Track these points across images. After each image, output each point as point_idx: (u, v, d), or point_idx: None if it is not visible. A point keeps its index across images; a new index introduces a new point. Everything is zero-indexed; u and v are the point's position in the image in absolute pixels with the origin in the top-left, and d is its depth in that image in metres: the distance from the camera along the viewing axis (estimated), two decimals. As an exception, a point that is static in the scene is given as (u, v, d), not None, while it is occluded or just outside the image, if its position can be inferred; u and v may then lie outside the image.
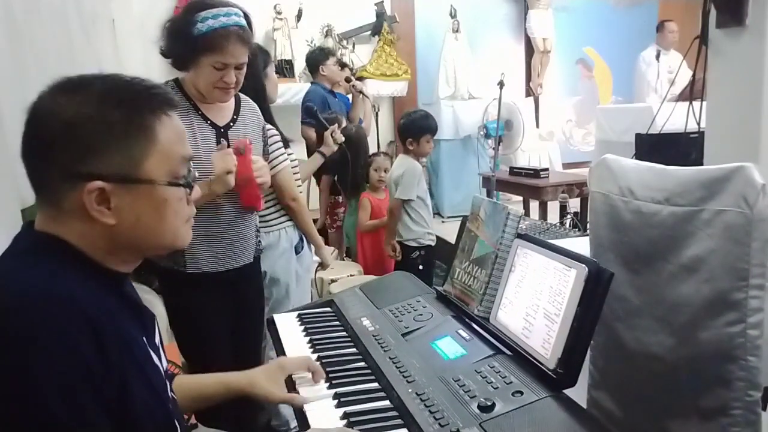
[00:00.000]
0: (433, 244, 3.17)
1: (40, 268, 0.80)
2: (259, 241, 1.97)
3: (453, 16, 5.62)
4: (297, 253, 2.35)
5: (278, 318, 1.60)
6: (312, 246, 2.48)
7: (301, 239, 2.37)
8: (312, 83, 4.19)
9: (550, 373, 1.05)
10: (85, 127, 0.81)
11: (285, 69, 5.06)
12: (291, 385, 1.21)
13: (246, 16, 1.71)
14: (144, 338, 0.91)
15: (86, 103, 0.82)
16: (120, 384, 0.79)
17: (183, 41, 1.66)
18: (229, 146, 1.78)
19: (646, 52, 5.48)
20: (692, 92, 2.30)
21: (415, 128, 3.13)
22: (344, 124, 3.58)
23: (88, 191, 0.81)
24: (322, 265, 2.57)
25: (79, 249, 0.84)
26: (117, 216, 0.84)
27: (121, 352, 0.80)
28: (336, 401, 1.13)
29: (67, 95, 0.83)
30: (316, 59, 4.17)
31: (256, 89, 2.14)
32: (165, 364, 0.99)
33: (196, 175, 0.95)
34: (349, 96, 4.25)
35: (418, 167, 3.12)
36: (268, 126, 2.09)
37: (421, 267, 3.08)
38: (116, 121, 0.83)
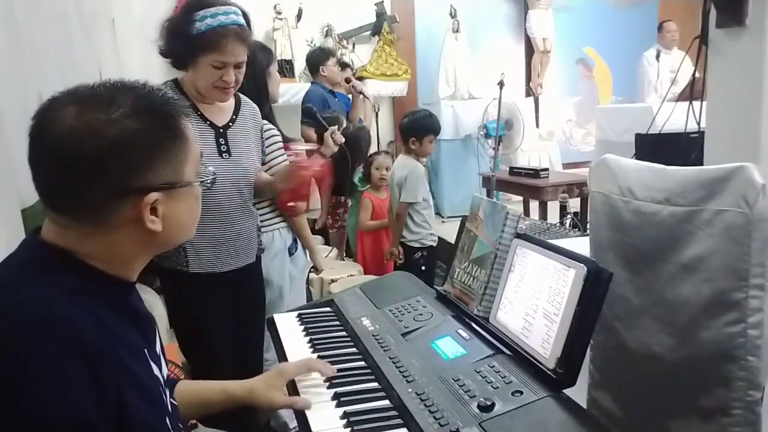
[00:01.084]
0: (434, 244, 3.17)
1: (39, 287, 0.79)
2: (261, 241, 1.97)
3: (453, 16, 5.62)
4: (290, 254, 2.34)
5: (278, 318, 1.60)
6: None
7: (294, 240, 2.37)
8: (312, 83, 4.19)
9: (549, 372, 1.05)
10: (134, 142, 0.81)
11: (285, 69, 5.07)
12: (293, 390, 1.20)
13: (245, 15, 1.72)
14: (145, 350, 0.90)
15: (127, 118, 0.81)
16: (116, 406, 0.78)
17: (182, 40, 1.66)
18: (225, 150, 1.78)
19: (648, 53, 5.49)
20: (692, 92, 2.30)
21: (418, 128, 3.11)
22: (344, 124, 3.57)
23: (145, 204, 0.82)
24: (316, 269, 2.57)
25: (88, 262, 0.83)
26: (163, 222, 0.85)
27: (116, 372, 0.79)
28: (336, 401, 1.13)
29: (98, 111, 0.80)
30: (316, 59, 4.17)
31: (258, 89, 2.14)
32: (165, 371, 0.98)
33: (212, 170, 0.99)
34: (350, 96, 4.25)
35: (421, 169, 3.11)
36: (269, 126, 2.09)
37: (423, 268, 3.08)
38: (160, 131, 0.84)
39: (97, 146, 0.79)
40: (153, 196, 0.82)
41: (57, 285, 0.80)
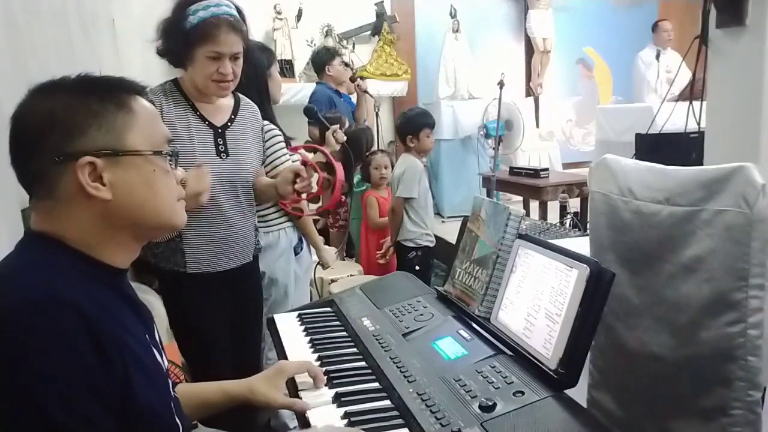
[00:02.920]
0: (431, 245, 3.16)
1: (38, 270, 0.81)
2: (258, 241, 1.97)
3: (453, 16, 5.62)
4: (296, 254, 2.35)
5: (278, 318, 1.60)
6: (311, 247, 2.48)
7: (300, 240, 2.37)
8: (318, 83, 4.18)
9: (551, 373, 1.05)
10: (64, 109, 0.85)
11: (285, 69, 5.06)
12: (293, 389, 1.20)
13: (239, 10, 1.73)
14: (146, 335, 0.92)
15: (62, 93, 0.86)
16: (122, 383, 0.80)
17: (176, 36, 1.68)
18: (223, 150, 1.77)
19: (643, 53, 5.49)
20: (692, 92, 2.30)
21: (413, 124, 3.13)
22: (347, 124, 3.58)
23: (80, 167, 0.83)
24: (322, 265, 2.57)
25: (76, 247, 0.86)
26: (112, 190, 0.86)
27: (121, 351, 0.80)
28: (337, 401, 1.13)
29: (41, 94, 0.87)
30: (322, 59, 4.16)
31: (259, 89, 2.14)
32: (166, 362, 0.99)
33: (178, 148, 0.99)
34: (352, 96, 4.25)
35: (419, 165, 3.11)
36: (270, 126, 2.09)
37: (417, 268, 3.07)
38: (93, 100, 0.86)
39: (35, 120, 0.85)
40: (87, 158, 0.84)
41: (54, 268, 0.82)
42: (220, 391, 1.19)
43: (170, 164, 0.94)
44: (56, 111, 0.85)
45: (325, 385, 1.20)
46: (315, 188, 1.90)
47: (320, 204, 3.38)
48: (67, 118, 0.85)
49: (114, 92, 0.89)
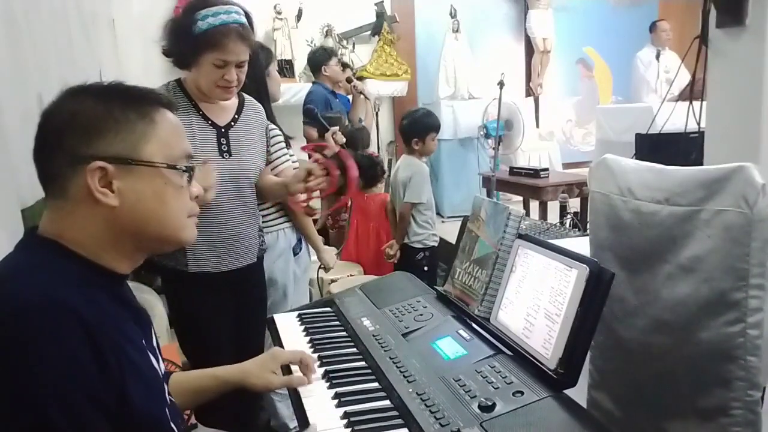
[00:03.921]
0: (436, 244, 3.17)
1: (37, 273, 0.81)
2: (263, 241, 1.97)
3: (453, 16, 5.62)
4: (295, 254, 2.35)
5: (278, 318, 1.60)
6: (311, 247, 2.47)
7: (299, 241, 2.37)
8: (314, 83, 4.18)
9: (550, 373, 1.05)
10: (86, 112, 0.87)
11: (285, 69, 5.06)
12: (295, 395, 1.20)
13: (247, 15, 1.72)
14: (143, 341, 0.92)
15: (89, 97, 0.88)
16: (118, 387, 0.80)
17: (184, 40, 1.67)
18: (225, 150, 1.77)
19: (642, 53, 5.49)
20: (692, 92, 2.30)
21: (420, 127, 3.10)
22: (345, 124, 3.57)
23: (90, 171, 0.84)
24: (324, 267, 2.57)
25: (77, 250, 0.86)
26: (120, 198, 0.86)
27: (118, 355, 0.80)
28: (336, 401, 1.13)
29: (71, 96, 0.89)
30: (318, 59, 4.16)
31: (258, 88, 2.14)
32: (163, 368, 0.99)
33: (197, 170, 0.97)
34: (349, 96, 4.25)
35: (425, 169, 3.10)
36: (272, 126, 2.09)
37: (426, 268, 3.07)
38: (116, 107, 0.88)
39: (58, 119, 0.87)
40: (98, 163, 0.84)
41: (53, 271, 0.82)
42: (212, 378, 1.20)
43: (187, 180, 0.94)
44: (78, 113, 0.86)
45: (325, 385, 1.20)
46: (326, 186, 1.89)
47: (320, 207, 3.40)
48: (87, 121, 0.86)
49: (139, 102, 0.90)
